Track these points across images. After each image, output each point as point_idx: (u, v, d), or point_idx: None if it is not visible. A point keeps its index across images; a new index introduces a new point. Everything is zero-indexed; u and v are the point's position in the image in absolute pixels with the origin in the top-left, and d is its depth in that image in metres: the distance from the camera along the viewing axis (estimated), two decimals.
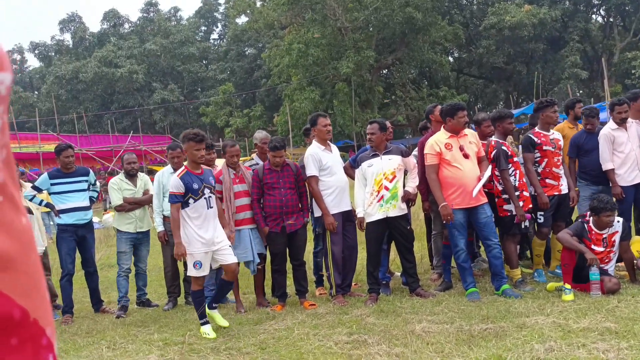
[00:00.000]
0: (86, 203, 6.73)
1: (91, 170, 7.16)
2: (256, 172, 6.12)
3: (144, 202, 6.96)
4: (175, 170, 6.55)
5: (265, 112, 38.70)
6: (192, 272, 5.24)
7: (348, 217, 6.14)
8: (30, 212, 6.76)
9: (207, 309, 5.40)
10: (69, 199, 6.63)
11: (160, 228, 6.60)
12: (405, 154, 6.07)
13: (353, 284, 6.65)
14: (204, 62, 50.43)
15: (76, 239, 6.67)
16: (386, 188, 5.87)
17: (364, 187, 5.96)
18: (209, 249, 5.21)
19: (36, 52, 52.36)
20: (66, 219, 6.59)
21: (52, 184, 6.63)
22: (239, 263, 5.64)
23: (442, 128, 5.93)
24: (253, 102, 43.13)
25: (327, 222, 5.96)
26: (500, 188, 6.05)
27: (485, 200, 5.77)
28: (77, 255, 6.82)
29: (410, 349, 4.21)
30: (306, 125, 6.94)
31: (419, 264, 7.33)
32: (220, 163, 6.49)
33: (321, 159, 6.07)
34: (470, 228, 5.91)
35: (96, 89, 44.78)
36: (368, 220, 5.91)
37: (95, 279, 6.94)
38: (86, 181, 6.79)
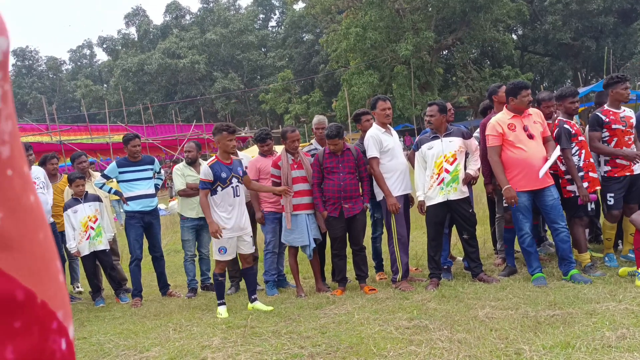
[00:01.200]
0: (151, 191, 6.98)
1: (156, 159, 7.40)
2: (317, 157, 6.17)
3: None
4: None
5: (324, 98, 38.77)
6: (216, 256, 5.70)
7: (410, 199, 6.10)
8: (99, 199, 7.06)
9: (249, 304, 5.79)
10: (136, 187, 6.87)
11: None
12: (466, 136, 5.93)
13: (413, 268, 6.58)
14: (263, 49, 50.97)
15: (143, 225, 6.92)
16: (447, 171, 5.77)
17: (424, 170, 5.89)
18: (234, 235, 5.64)
19: (104, 46, 54.46)
20: (133, 206, 6.84)
21: (120, 172, 6.88)
22: (252, 253, 5.92)
23: (504, 108, 5.73)
24: (311, 88, 43.28)
25: (389, 203, 5.92)
26: (563, 168, 5.83)
27: (551, 182, 5.55)
28: (145, 241, 7.07)
29: (473, 335, 4.11)
30: (357, 110, 6.94)
31: (481, 249, 7.19)
32: (279, 150, 6.60)
33: (381, 141, 6.05)
34: (535, 212, 5.71)
35: (160, 80, 46.18)
36: (428, 203, 5.85)
37: (161, 264, 7.18)
38: (151, 169, 7.04)
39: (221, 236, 5.60)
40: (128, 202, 6.84)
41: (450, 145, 5.81)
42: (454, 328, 4.33)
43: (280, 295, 6.33)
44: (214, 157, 5.78)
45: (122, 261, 8.12)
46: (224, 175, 5.62)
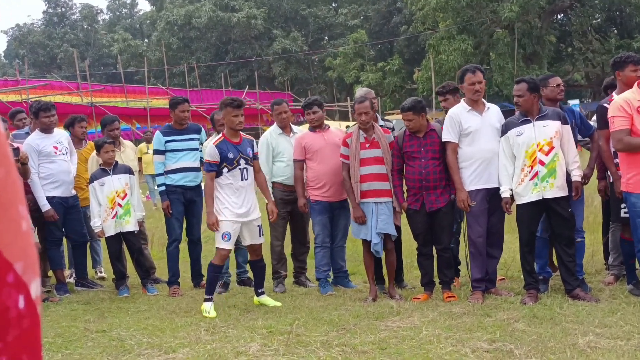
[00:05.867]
0: (197, 164, 7.22)
1: (203, 128, 7.61)
2: (396, 139, 6.27)
3: None
4: (282, 129, 7.08)
5: (404, 66, 38.44)
6: (220, 243, 6.08)
7: (495, 197, 6.00)
8: (131, 172, 7.28)
9: (255, 298, 6.30)
10: (180, 158, 7.11)
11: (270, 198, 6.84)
12: (564, 120, 5.76)
13: (499, 278, 6.48)
14: (333, 5, 50.93)
15: (184, 203, 7.17)
16: (541, 162, 5.66)
17: (509, 160, 5.82)
18: (239, 221, 6.01)
19: None
20: (176, 178, 7.09)
21: (166, 142, 7.12)
22: (261, 245, 6.33)
23: (635, 86, 5.49)
24: (389, 53, 43.01)
25: (458, 198, 5.94)
26: None
27: None
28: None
29: None
30: (444, 83, 6.88)
31: (589, 262, 7.00)
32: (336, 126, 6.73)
33: (461, 122, 5.97)
34: None
35: (210, 36, 47.03)
36: (519, 202, 5.80)
37: (198, 249, 7.44)
38: (198, 139, 7.28)
39: (217, 229, 5.99)
40: (169, 175, 7.07)
41: (545, 130, 5.68)
42: (546, 356, 4.25)
43: (334, 299, 6.39)
44: (220, 135, 6.15)
45: (152, 247, 8.37)
46: (231, 155, 5.96)
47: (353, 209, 6.31)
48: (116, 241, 7.18)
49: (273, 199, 6.57)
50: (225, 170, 5.97)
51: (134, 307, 6.52)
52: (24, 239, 0.81)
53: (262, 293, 6.30)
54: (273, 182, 6.98)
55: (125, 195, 7.12)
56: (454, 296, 6.06)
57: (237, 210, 6.00)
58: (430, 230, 6.22)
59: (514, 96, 5.94)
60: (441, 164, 6.09)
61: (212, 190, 6.00)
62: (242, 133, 6.24)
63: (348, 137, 6.36)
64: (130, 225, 7.15)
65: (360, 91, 7.03)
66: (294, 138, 7.02)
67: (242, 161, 6.00)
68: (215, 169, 5.97)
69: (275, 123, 7.21)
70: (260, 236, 6.28)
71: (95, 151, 7.28)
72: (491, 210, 6.06)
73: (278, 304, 6.12)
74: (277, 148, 7.02)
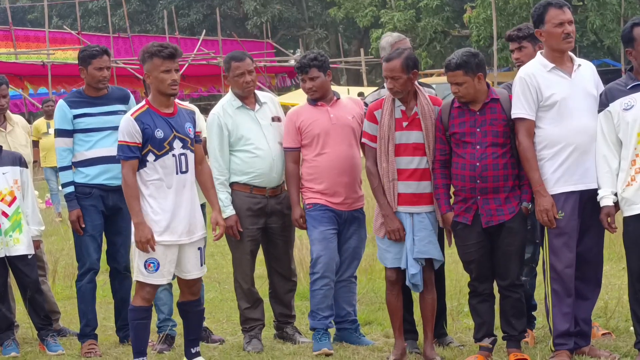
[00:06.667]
0: None
1: (132, 95, 7.56)
2: (439, 114, 6.27)
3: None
4: (242, 99, 7.02)
5: (449, 1, 38.34)
6: (140, 274, 6.02)
7: (591, 205, 5.97)
8: (22, 163, 7.21)
9: None
10: (97, 142, 7.08)
11: (229, 212, 6.82)
12: None
13: (600, 331, 6.51)
14: None
15: (104, 212, 7.13)
16: None
17: (615, 150, 5.85)
18: (175, 241, 5.97)
19: None
20: (91, 174, 7.05)
21: (75, 117, 7.05)
22: (200, 279, 6.43)
23: None
24: None
25: (538, 206, 5.90)
26: None
27: None
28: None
29: None
30: (521, 25, 6.87)
31: None
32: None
33: (540, 88, 5.95)
34: None
35: None
36: (628, 213, 5.82)
37: (126, 284, 7.35)
38: (124, 111, 7.03)
39: (152, 249, 5.90)
40: (78, 168, 7.02)
41: None
42: None
43: None
44: (143, 103, 6.10)
45: (53, 279, 8.31)
46: (159, 134, 5.91)
47: (385, 218, 6.26)
48: None
49: (220, 206, 6.52)
50: (151, 157, 5.91)
51: None
52: None
53: (197, 354, 6.27)
54: (233, 184, 6.94)
55: (14, 199, 7.08)
56: (525, 358, 6.02)
57: (168, 222, 5.96)
58: (489, 257, 6.18)
59: (626, 49, 5.95)
60: (507, 154, 6.06)
61: (135, 185, 5.94)
62: (178, 101, 6.21)
63: (376, 107, 6.38)
64: (22, 247, 7.09)
65: (388, 39, 6.98)
66: (260, 113, 7.01)
67: (176, 142, 5.94)
68: (136, 155, 5.90)
69: (230, 91, 7.15)
70: (201, 265, 6.25)
71: None
72: (585, 225, 6.02)
73: None
74: (237, 130, 6.93)
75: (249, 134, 6.92)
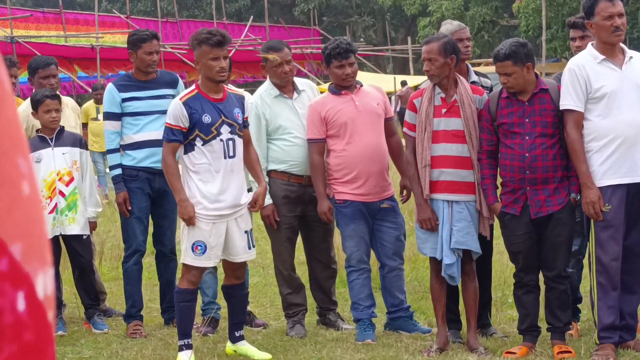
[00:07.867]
0: None
1: (181, 79, 7.60)
2: (486, 104, 6.26)
3: None
4: (280, 89, 6.99)
5: None
6: (187, 257, 6.09)
7: (639, 195, 5.99)
8: (82, 144, 7.33)
9: (229, 345, 6.34)
10: (145, 126, 7.13)
11: (266, 201, 6.75)
12: None
13: None
14: None
15: (151, 195, 7.20)
16: None
17: None
18: (223, 218, 6.04)
19: None
20: (138, 157, 7.12)
21: (123, 100, 7.10)
22: (245, 263, 6.46)
23: None
24: None
25: (585, 198, 5.87)
26: None
27: None
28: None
29: None
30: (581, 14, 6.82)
31: None
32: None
33: (590, 79, 5.93)
34: None
35: None
36: None
37: (172, 267, 7.42)
38: (172, 95, 7.12)
39: (193, 223, 5.98)
40: (128, 152, 7.08)
41: None
42: None
43: (380, 350, 6.36)
44: (193, 87, 6.17)
45: (101, 261, 8.37)
46: (207, 119, 5.93)
47: (418, 206, 6.30)
48: (52, 249, 7.15)
49: (266, 185, 6.53)
50: (199, 142, 5.94)
51: (73, 354, 6.54)
52: (25, 208, 0.79)
53: (241, 338, 6.31)
54: (271, 172, 6.94)
55: (71, 180, 7.11)
56: (570, 351, 6.01)
57: (216, 203, 6.02)
58: (536, 248, 6.17)
59: None
60: (557, 144, 6.05)
61: (175, 167, 6.04)
62: (228, 86, 6.22)
63: (417, 96, 6.38)
64: (76, 227, 7.13)
65: (448, 27, 6.94)
66: (298, 102, 7.01)
67: (224, 128, 5.94)
68: (180, 139, 5.96)
69: (268, 80, 7.14)
70: (249, 248, 6.26)
71: (30, 109, 7.16)
72: (632, 218, 6.00)
73: (267, 356, 6.11)
74: (275, 119, 6.94)
75: (286, 123, 6.93)
